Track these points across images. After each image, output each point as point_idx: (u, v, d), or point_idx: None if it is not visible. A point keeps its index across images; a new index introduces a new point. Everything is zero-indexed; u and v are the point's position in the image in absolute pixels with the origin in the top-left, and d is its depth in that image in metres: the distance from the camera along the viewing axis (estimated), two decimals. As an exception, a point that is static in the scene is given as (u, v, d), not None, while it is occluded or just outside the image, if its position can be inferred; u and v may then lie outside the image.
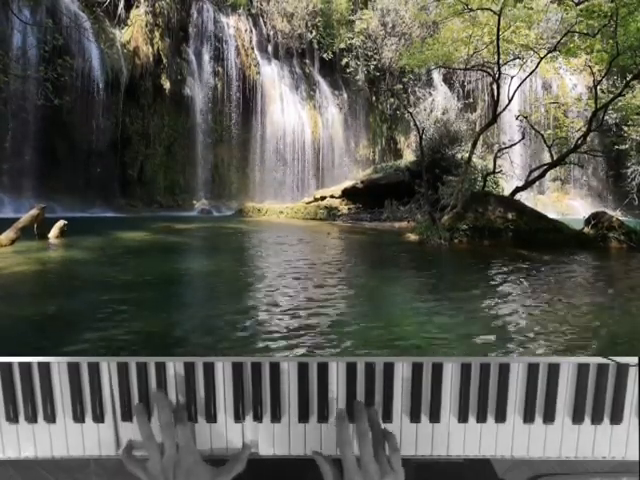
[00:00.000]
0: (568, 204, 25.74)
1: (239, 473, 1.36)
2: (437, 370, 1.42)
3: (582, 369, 1.41)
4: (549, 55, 11.26)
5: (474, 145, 11.77)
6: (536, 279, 5.54)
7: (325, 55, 25.20)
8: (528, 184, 11.94)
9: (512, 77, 12.13)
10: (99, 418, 1.42)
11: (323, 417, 1.43)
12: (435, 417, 1.43)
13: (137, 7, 20.23)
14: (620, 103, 13.22)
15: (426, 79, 26.45)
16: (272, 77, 24.14)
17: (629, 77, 11.14)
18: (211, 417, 1.42)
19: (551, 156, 12.50)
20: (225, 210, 20.96)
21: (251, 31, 23.94)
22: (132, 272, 5.47)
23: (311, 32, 24.59)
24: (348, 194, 17.65)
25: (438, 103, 23.76)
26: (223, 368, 1.42)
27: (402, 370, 1.42)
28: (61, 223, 8.45)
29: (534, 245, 8.41)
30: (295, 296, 4.35)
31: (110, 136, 19.11)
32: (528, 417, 1.43)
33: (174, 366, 1.42)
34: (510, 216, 9.31)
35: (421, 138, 12.16)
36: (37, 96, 16.22)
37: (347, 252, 8.16)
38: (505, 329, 3.41)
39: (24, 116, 16.87)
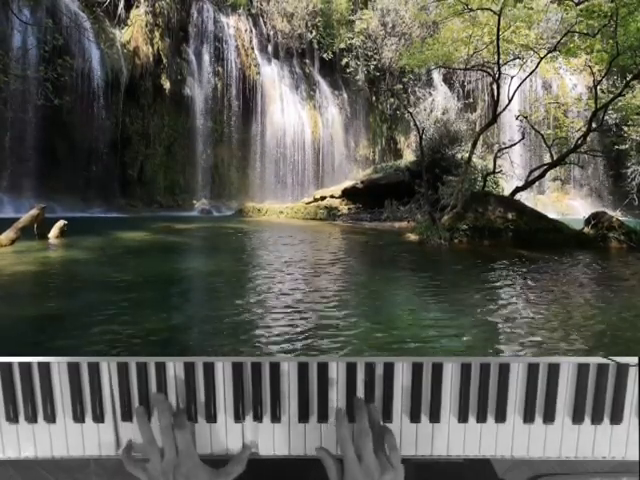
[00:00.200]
0: (568, 204, 25.74)
1: (239, 474, 1.36)
2: (437, 370, 1.42)
3: (582, 369, 1.41)
4: (549, 55, 11.26)
5: (474, 145, 11.77)
6: (536, 279, 5.54)
7: (325, 55, 25.20)
8: (528, 184, 11.94)
9: (512, 77, 12.13)
10: (99, 418, 1.42)
11: (323, 417, 1.42)
12: (435, 417, 1.43)
13: (137, 7, 20.23)
14: (620, 103, 13.21)
15: (426, 79, 26.45)
16: (272, 77, 24.14)
17: (629, 77, 11.14)
18: (211, 417, 1.42)
19: (551, 156, 12.51)
20: (225, 210, 20.96)
21: (251, 31, 23.94)
22: (132, 272, 5.47)
23: (311, 32, 24.59)
24: (348, 194, 17.65)
25: (438, 103, 23.76)
26: (223, 368, 1.42)
27: (402, 370, 1.42)
28: (61, 223, 8.46)
29: (534, 245, 8.42)
30: (295, 297, 4.35)
31: (110, 136, 19.11)
32: (528, 417, 1.43)
33: (174, 366, 1.42)
34: (510, 216, 9.31)
35: (421, 138, 12.16)
36: (37, 96, 16.23)
37: (347, 252, 8.16)
38: (505, 329, 3.41)
39: (24, 116, 16.87)
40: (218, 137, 22.47)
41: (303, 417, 1.43)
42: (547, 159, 14.97)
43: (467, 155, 12.33)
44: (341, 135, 25.81)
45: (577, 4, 10.28)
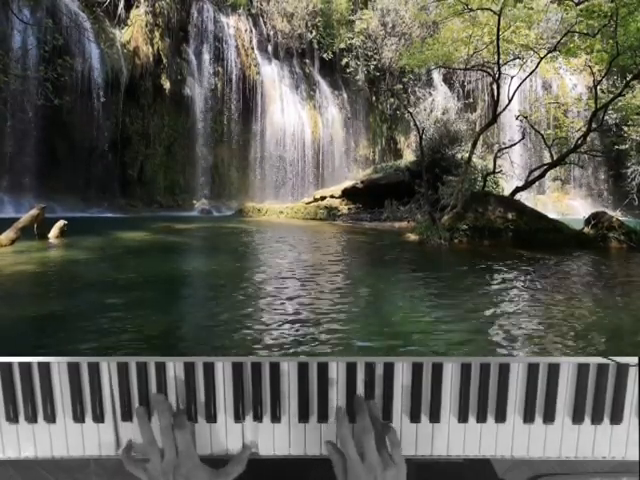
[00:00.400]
0: (568, 204, 25.75)
1: (239, 474, 1.36)
2: (437, 370, 1.42)
3: (582, 369, 1.41)
4: (549, 55, 11.26)
5: (474, 145, 11.77)
6: (536, 279, 5.54)
7: (325, 55, 25.21)
8: (528, 184, 11.94)
9: (512, 77, 12.13)
10: (99, 418, 1.42)
11: (323, 417, 1.43)
12: (435, 417, 1.43)
13: (137, 7, 20.25)
14: (620, 103, 13.22)
15: (426, 79, 26.47)
16: (272, 77, 24.15)
17: (629, 77, 11.14)
18: (211, 417, 1.42)
19: (551, 156, 12.51)
20: (225, 210, 20.97)
21: (251, 31, 23.95)
22: (132, 272, 5.47)
23: (311, 32, 24.60)
24: (348, 194, 17.65)
25: (438, 103, 23.77)
26: (223, 368, 1.42)
27: (402, 370, 1.42)
28: (61, 223, 8.46)
29: (534, 245, 8.42)
30: (295, 296, 4.35)
31: (110, 136, 19.12)
32: (528, 417, 1.43)
33: (174, 366, 1.42)
34: (510, 216, 9.31)
35: (421, 138, 12.16)
36: (37, 96, 16.23)
37: (348, 252, 8.16)
38: (505, 329, 3.41)
39: (24, 116, 16.88)
40: (218, 137, 22.48)
41: (303, 417, 1.43)
42: (547, 159, 14.98)
43: (467, 155, 12.34)
44: (341, 135, 25.82)
45: (577, 4, 10.29)
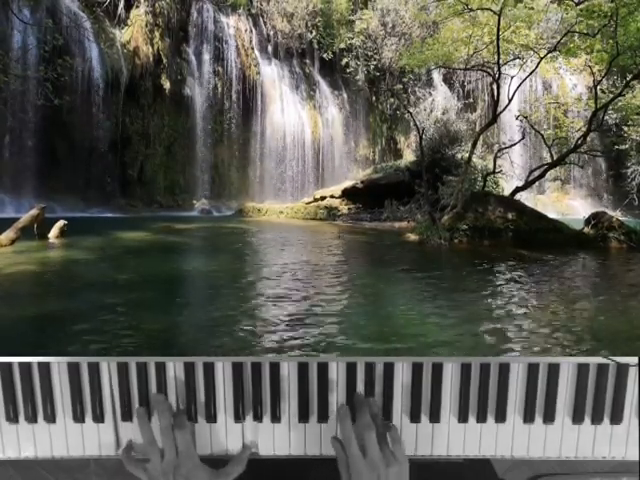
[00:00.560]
0: (568, 204, 25.74)
1: (239, 474, 1.36)
2: (437, 370, 1.42)
3: (582, 369, 1.41)
4: (549, 55, 11.26)
5: (474, 145, 11.77)
6: (536, 279, 5.55)
7: (325, 55, 25.20)
8: (528, 184, 11.94)
9: (512, 77, 12.13)
10: (99, 418, 1.42)
11: (323, 417, 1.43)
12: (435, 417, 1.43)
13: (137, 7, 20.24)
14: (620, 103, 13.21)
15: (426, 79, 26.46)
16: (272, 77, 24.14)
17: (629, 77, 11.14)
18: (211, 417, 1.42)
19: (551, 156, 12.51)
20: (225, 210, 20.97)
21: (251, 31, 23.95)
22: (132, 272, 5.47)
23: (311, 32, 24.60)
24: (348, 194, 17.65)
25: (438, 103, 23.76)
26: (223, 368, 1.42)
27: (402, 370, 1.42)
28: (61, 223, 8.46)
29: (534, 245, 8.42)
30: (295, 297, 4.35)
31: (110, 136, 19.11)
32: (528, 417, 1.43)
33: (174, 366, 1.42)
34: (510, 216, 9.31)
35: (421, 138, 12.16)
36: (37, 96, 16.23)
37: (348, 252, 8.17)
38: (505, 329, 3.41)
39: (24, 116, 16.88)
40: (218, 137, 22.48)
41: (303, 417, 1.43)
42: (547, 159, 14.97)
43: (467, 155, 12.34)
44: (341, 135, 25.82)
45: (577, 4, 10.29)
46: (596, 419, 1.43)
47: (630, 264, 7.32)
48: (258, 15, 24.34)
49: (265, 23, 24.45)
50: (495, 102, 11.77)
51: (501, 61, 10.83)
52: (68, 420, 1.43)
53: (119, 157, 19.60)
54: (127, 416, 1.42)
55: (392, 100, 26.35)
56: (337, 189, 18.35)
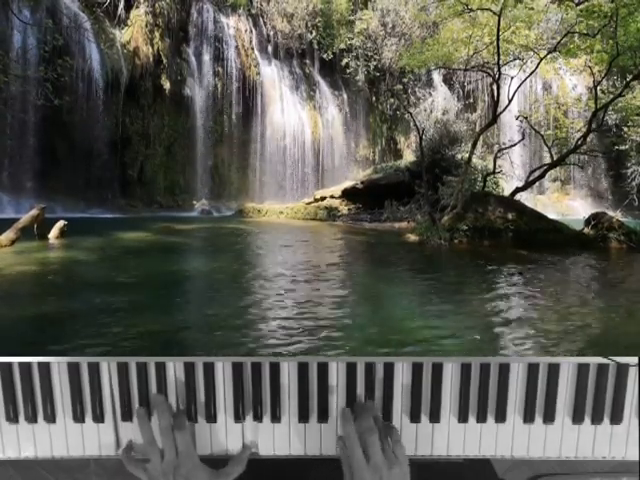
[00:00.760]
0: (568, 204, 25.74)
1: (239, 474, 1.36)
2: (437, 370, 1.42)
3: (582, 369, 1.41)
4: (549, 56, 11.26)
5: (474, 145, 11.77)
6: (536, 280, 5.54)
7: (325, 55, 25.21)
8: (528, 184, 11.94)
9: (512, 77, 12.14)
10: (99, 418, 1.42)
11: (323, 417, 1.42)
12: (435, 417, 1.43)
13: (137, 7, 20.24)
14: (620, 104, 13.22)
15: (426, 79, 26.47)
16: (272, 77, 24.15)
17: (629, 77, 11.13)
18: (211, 417, 1.42)
19: (551, 156, 12.51)
20: (225, 210, 20.96)
21: (251, 31, 23.95)
22: (132, 273, 5.47)
23: (311, 32, 24.60)
24: (348, 194, 17.65)
25: (438, 103, 23.79)
26: (223, 368, 1.42)
27: (402, 370, 1.42)
28: (61, 223, 8.45)
29: (534, 245, 8.42)
30: (295, 297, 4.35)
31: (110, 136, 19.11)
32: (528, 417, 1.43)
33: (174, 366, 1.42)
34: (510, 216, 9.31)
35: (421, 138, 12.17)
36: (37, 96, 16.22)
37: (347, 252, 8.17)
38: (505, 330, 3.41)
39: (24, 116, 16.87)
40: (218, 137, 22.48)
41: (303, 417, 1.43)
42: (547, 159, 14.98)
43: (467, 155, 12.34)
44: (341, 135, 25.82)
45: (577, 4, 10.29)
46: (596, 419, 1.43)
47: (630, 264, 7.32)
48: (258, 15, 24.34)
49: (265, 23, 24.46)
50: (495, 103, 11.77)
51: (501, 61, 10.83)
52: (68, 420, 1.43)
53: (119, 157, 19.60)
54: (127, 416, 1.42)
55: (392, 100, 26.36)
56: (337, 189, 18.34)
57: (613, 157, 23.51)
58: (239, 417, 1.42)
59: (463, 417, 1.43)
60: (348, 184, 18.48)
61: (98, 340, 2.96)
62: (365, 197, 17.18)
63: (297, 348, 2.85)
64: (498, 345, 3.07)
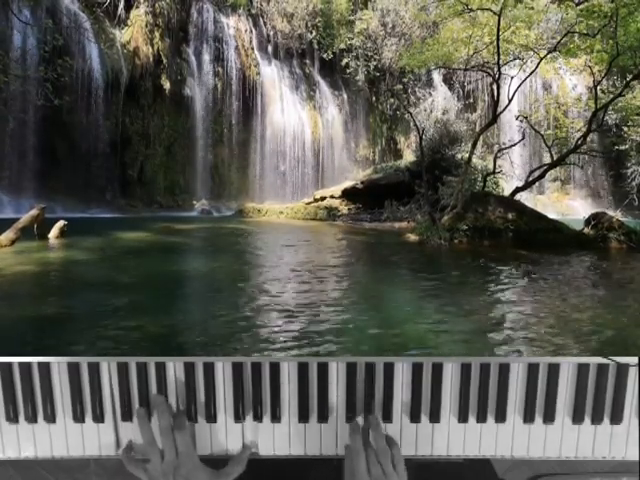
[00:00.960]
0: (568, 204, 25.74)
1: (239, 474, 1.36)
2: (437, 370, 1.42)
3: (582, 369, 1.41)
4: (549, 55, 11.25)
5: (474, 145, 11.77)
6: (536, 280, 5.54)
7: (325, 55, 25.20)
8: (528, 184, 11.93)
9: (512, 77, 12.13)
10: (99, 418, 1.42)
11: (323, 417, 1.42)
12: (435, 417, 1.43)
13: (137, 7, 20.24)
14: (620, 103, 13.21)
15: (426, 79, 26.46)
16: (272, 77, 24.15)
17: (629, 77, 11.13)
18: (211, 417, 1.42)
19: (551, 156, 12.50)
20: (225, 210, 20.96)
21: (251, 31, 23.95)
22: (132, 273, 5.47)
23: (311, 32, 24.60)
24: (348, 194, 17.65)
25: (438, 103, 23.78)
26: (223, 368, 1.42)
27: (402, 370, 1.42)
28: (61, 223, 8.45)
29: (534, 245, 8.42)
30: (295, 297, 4.35)
31: (110, 136, 19.11)
32: (528, 417, 1.43)
33: (174, 366, 1.42)
34: (510, 216, 9.30)
35: (421, 138, 12.16)
36: (37, 96, 16.22)
37: (347, 253, 8.16)
38: (505, 330, 3.41)
39: (24, 116, 16.87)
40: (218, 137, 22.48)
41: (303, 417, 1.43)
42: (547, 159, 14.97)
43: (467, 155, 12.34)
44: (341, 135, 25.82)
45: (577, 4, 10.29)
46: (596, 419, 1.43)
47: (630, 264, 7.32)
48: (258, 15, 24.34)
49: (265, 23, 24.45)
50: (495, 102, 11.77)
51: (501, 61, 10.83)
52: (68, 420, 1.43)
53: (119, 157, 19.60)
54: (127, 416, 1.42)
55: (392, 100, 26.35)
56: (337, 189, 18.34)
57: (613, 157, 23.49)
58: (239, 417, 1.42)
59: (463, 417, 1.43)
60: (348, 184, 18.48)
61: (97, 339, 2.96)
62: (365, 197, 17.18)
63: (299, 346, 2.85)
64: (501, 346, 3.07)
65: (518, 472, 1.57)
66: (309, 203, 18.29)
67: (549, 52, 11.15)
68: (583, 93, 23.35)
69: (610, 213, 11.06)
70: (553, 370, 1.41)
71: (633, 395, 1.42)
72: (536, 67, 11.77)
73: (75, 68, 17.85)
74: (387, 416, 1.42)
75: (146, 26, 20.26)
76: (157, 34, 20.67)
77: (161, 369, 1.41)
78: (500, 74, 10.94)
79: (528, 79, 14.13)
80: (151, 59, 20.32)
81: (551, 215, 11.37)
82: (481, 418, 1.43)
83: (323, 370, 1.41)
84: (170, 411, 1.39)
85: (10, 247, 6.99)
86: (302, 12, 24.02)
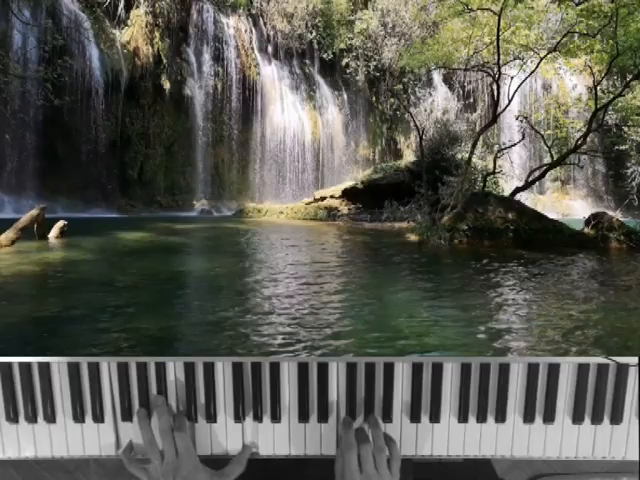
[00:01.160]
0: (568, 204, 25.75)
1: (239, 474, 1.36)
2: (437, 370, 1.42)
3: (582, 369, 1.41)
4: (549, 55, 11.25)
5: (474, 145, 11.76)
6: (536, 280, 5.54)
7: (325, 55, 25.22)
8: (528, 184, 11.93)
9: (512, 77, 12.13)
10: (99, 418, 1.42)
11: (323, 417, 1.42)
12: (435, 417, 1.43)
13: (137, 7, 20.25)
14: (620, 103, 13.19)
15: (426, 79, 26.48)
16: (272, 77, 24.16)
17: (629, 77, 11.14)
18: (211, 417, 1.42)
19: (551, 156, 12.50)
20: (225, 210, 20.97)
21: (251, 31, 23.97)
22: (132, 273, 5.47)
23: (311, 32, 24.61)
24: (348, 194, 17.65)
25: (438, 103, 23.78)
26: (223, 368, 1.41)
27: (402, 370, 1.42)
28: (61, 223, 8.46)
29: (534, 245, 8.41)
30: (296, 297, 4.35)
31: (110, 136, 19.12)
32: (528, 417, 1.43)
33: (174, 366, 1.42)
34: (510, 216, 9.30)
35: (421, 138, 12.17)
36: (37, 96, 16.24)
37: (347, 253, 8.16)
38: (504, 330, 3.41)
39: (24, 116, 16.88)
40: (218, 137, 22.49)
41: (303, 417, 1.43)
42: (547, 159, 14.98)
43: (467, 155, 12.34)
44: (341, 135, 25.83)
45: (577, 4, 10.29)
46: (596, 419, 1.43)
47: (630, 264, 7.32)
48: (258, 15, 24.36)
49: (265, 23, 24.47)
50: (495, 102, 11.77)
51: (501, 61, 10.83)
52: (68, 420, 1.43)
53: (119, 157, 19.61)
54: (127, 416, 1.42)
55: (392, 100, 26.37)
56: (337, 189, 18.35)
57: (613, 157, 23.50)
58: (239, 417, 1.42)
59: (463, 417, 1.43)
60: (348, 184, 18.49)
61: (96, 339, 2.95)
62: (365, 197, 17.18)
63: (299, 345, 2.85)
64: (503, 347, 3.07)
65: (518, 472, 1.57)
66: (309, 203, 18.29)
67: (549, 52, 11.15)
68: (583, 93, 23.33)
69: (610, 213, 11.06)
70: (553, 370, 1.41)
71: (633, 395, 1.42)
72: (536, 67, 11.77)
73: (75, 68, 17.87)
74: (387, 416, 1.42)
75: (146, 26, 20.27)
76: (157, 34, 20.68)
77: (161, 369, 1.41)
78: (500, 74, 10.94)
79: (528, 79, 14.13)
80: (151, 59, 20.33)
81: (551, 215, 11.37)
82: (481, 418, 1.43)
83: (323, 370, 1.41)
84: (170, 412, 1.39)
85: (10, 247, 6.99)
86: (302, 12, 24.04)
